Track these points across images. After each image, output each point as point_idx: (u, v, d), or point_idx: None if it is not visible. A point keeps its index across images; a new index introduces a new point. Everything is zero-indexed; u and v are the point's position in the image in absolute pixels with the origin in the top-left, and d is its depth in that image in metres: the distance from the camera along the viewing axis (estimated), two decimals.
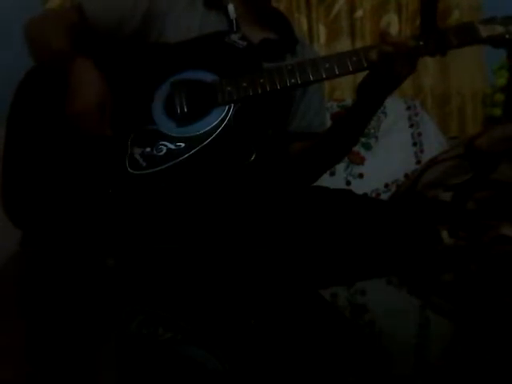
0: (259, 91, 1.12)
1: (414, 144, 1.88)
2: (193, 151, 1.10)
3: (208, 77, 1.15)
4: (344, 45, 2.05)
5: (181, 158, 1.09)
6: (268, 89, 1.12)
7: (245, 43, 1.23)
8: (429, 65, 2.08)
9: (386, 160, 1.83)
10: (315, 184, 1.32)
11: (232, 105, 1.13)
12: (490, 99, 1.85)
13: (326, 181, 1.43)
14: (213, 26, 1.24)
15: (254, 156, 1.14)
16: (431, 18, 1.10)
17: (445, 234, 1.15)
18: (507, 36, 1.10)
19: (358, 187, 1.65)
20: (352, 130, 1.25)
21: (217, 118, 1.12)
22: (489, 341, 0.56)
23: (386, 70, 1.08)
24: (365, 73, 1.14)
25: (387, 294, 0.80)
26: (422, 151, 1.87)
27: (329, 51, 2.00)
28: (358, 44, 2.05)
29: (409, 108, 1.93)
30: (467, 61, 2.06)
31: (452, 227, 1.18)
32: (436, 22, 1.10)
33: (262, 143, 1.21)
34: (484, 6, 2.10)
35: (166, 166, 1.09)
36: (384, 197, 1.76)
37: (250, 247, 1.07)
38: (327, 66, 1.12)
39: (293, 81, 1.12)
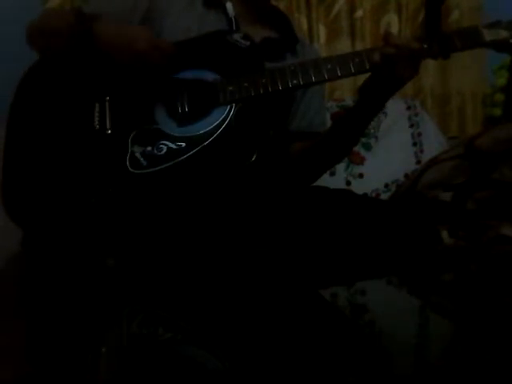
0: (261, 91, 1.12)
1: (414, 144, 1.88)
2: (193, 151, 1.10)
3: (209, 76, 1.15)
4: (344, 45, 2.05)
5: (181, 158, 1.09)
6: (270, 89, 1.12)
7: (248, 42, 1.23)
8: (429, 65, 2.08)
9: (386, 160, 1.83)
10: (315, 184, 1.32)
11: (233, 105, 1.13)
12: (490, 99, 1.85)
13: (325, 181, 1.43)
14: (212, 26, 1.24)
15: (255, 156, 1.13)
16: (435, 21, 1.10)
17: (445, 234, 1.15)
18: (511, 41, 1.09)
19: (358, 187, 1.65)
20: (353, 130, 1.25)
21: (218, 118, 1.12)
22: (489, 341, 0.56)
23: (388, 72, 1.08)
24: (366, 74, 1.14)
25: (387, 294, 0.80)
26: (421, 151, 1.86)
27: (329, 51, 2.00)
28: (358, 44, 2.05)
29: (409, 108, 1.93)
30: (467, 61, 2.05)
31: (452, 227, 1.18)
32: (440, 25, 1.10)
33: (264, 143, 1.21)
34: (484, 6, 2.10)
35: (167, 165, 1.09)
36: (384, 197, 1.75)
37: (250, 247, 1.07)
38: (329, 67, 1.12)
39: (295, 82, 1.12)
